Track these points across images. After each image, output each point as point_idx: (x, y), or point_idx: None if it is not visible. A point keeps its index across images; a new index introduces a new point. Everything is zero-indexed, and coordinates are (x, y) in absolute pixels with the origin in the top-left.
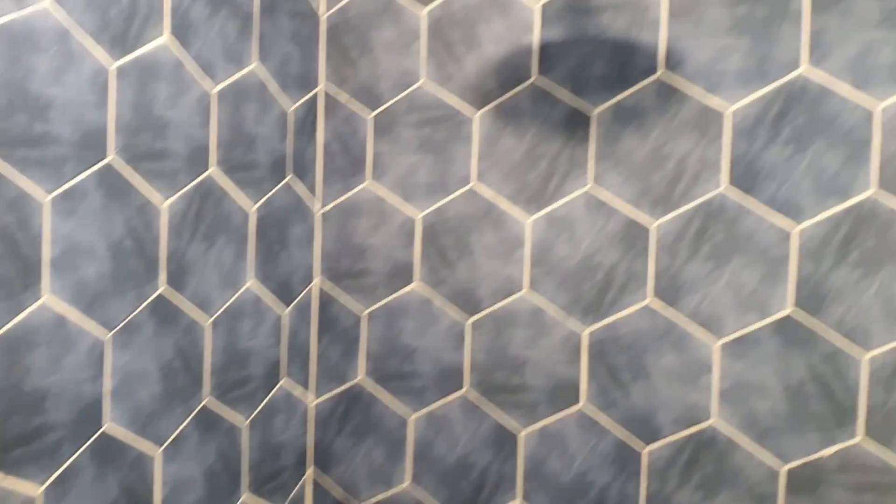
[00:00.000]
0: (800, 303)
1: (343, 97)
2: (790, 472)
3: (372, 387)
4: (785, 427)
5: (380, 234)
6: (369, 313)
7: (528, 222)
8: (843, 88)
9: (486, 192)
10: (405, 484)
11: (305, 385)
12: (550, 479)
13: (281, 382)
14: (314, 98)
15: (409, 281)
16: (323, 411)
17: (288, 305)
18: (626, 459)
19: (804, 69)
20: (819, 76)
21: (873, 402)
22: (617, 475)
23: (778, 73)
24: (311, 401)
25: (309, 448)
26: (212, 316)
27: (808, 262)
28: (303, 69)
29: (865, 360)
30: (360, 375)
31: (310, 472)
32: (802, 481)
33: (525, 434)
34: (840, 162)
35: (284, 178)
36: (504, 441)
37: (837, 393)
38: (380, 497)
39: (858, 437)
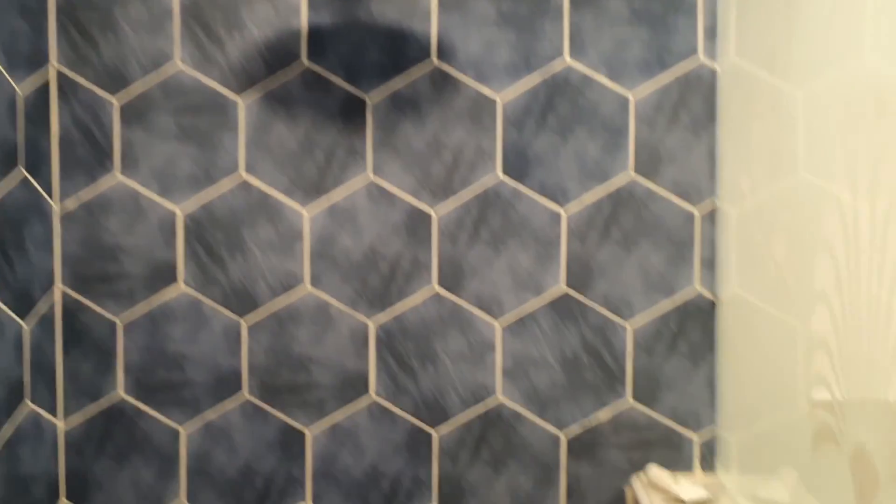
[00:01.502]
0: (570, 281)
1: (83, 80)
2: (570, 441)
3: (134, 402)
4: (564, 397)
5: (135, 232)
6: (126, 321)
7: (306, 214)
8: (601, 80)
9: (259, 184)
10: (179, 502)
11: (53, 407)
12: (341, 475)
13: (24, 406)
14: (47, 81)
15: (173, 282)
16: (76, 435)
17: (30, 318)
18: (417, 445)
19: (565, 62)
20: (579, 69)
21: (638, 367)
22: (409, 462)
23: (542, 65)
24: (62, 424)
25: (61, 478)
26: None
27: (576, 242)
28: (34, 48)
29: (630, 330)
30: (119, 391)
31: None
32: (581, 446)
33: (313, 433)
34: (600, 148)
35: (15, 169)
36: (291, 443)
37: (608, 361)
38: None
39: (628, 399)
